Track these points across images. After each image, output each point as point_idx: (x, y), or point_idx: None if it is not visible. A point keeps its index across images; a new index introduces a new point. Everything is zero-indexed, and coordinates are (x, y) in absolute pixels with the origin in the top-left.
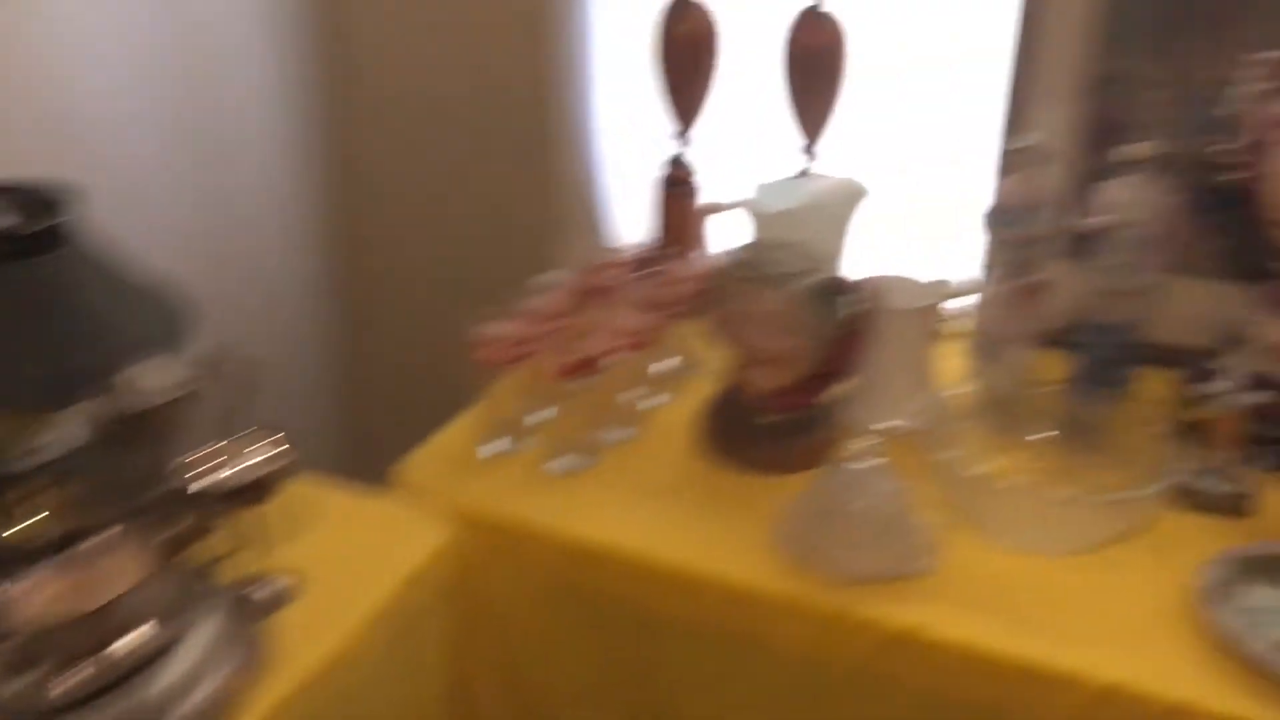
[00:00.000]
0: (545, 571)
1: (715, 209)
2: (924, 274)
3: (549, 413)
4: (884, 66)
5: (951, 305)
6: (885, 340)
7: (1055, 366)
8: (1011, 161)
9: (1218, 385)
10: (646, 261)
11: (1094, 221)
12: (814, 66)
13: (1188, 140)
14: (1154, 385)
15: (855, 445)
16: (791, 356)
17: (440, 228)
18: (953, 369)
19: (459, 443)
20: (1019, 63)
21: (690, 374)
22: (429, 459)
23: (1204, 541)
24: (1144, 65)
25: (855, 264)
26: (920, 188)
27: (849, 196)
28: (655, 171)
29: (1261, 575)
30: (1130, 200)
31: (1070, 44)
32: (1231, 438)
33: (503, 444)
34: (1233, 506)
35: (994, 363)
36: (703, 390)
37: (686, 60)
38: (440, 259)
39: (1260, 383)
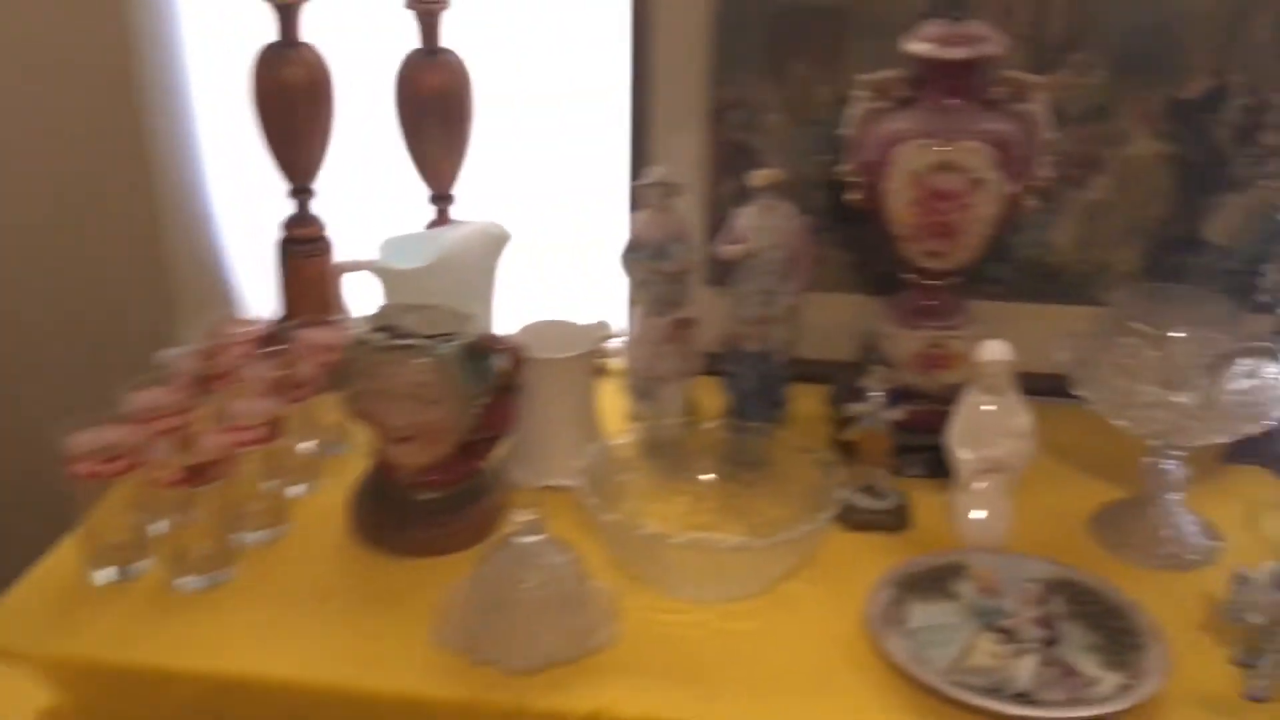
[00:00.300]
0: (185, 716)
1: (347, 269)
2: (579, 317)
3: (168, 524)
4: (510, 103)
5: (613, 347)
6: (543, 394)
7: (712, 400)
8: (641, 196)
9: (861, 405)
10: (272, 337)
11: (730, 250)
12: (434, 109)
13: (811, 161)
14: (810, 404)
15: (520, 517)
16: (440, 428)
17: (31, 326)
18: (620, 414)
19: (59, 579)
20: (637, 95)
21: (335, 455)
22: (20, 606)
23: (871, 562)
24: (762, 90)
25: (504, 314)
26: (565, 227)
27: (490, 243)
28: (276, 233)
29: (919, 592)
30: (762, 225)
31: (685, 73)
32: (880, 454)
33: (112, 572)
34: (891, 522)
35: (651, 403)
36: (352, 471)
37: (296, 108)
38: (33, 361)
39: (902, 394)
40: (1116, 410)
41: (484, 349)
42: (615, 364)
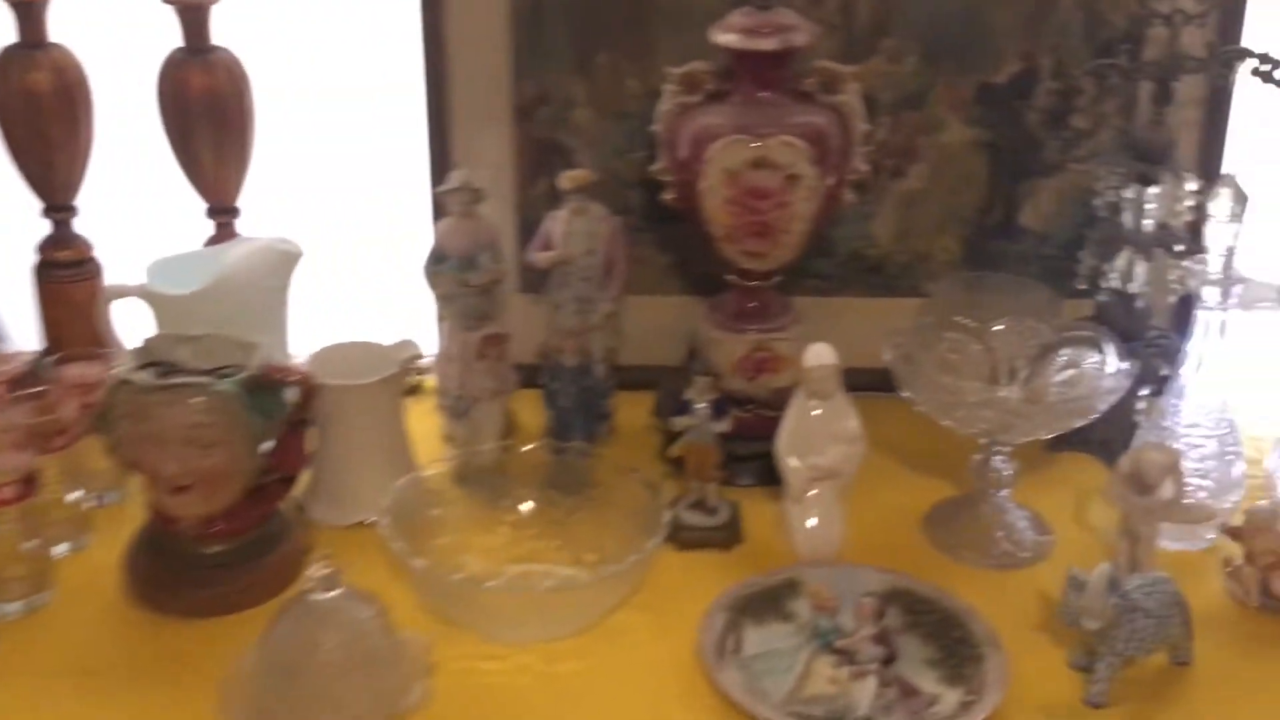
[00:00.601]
0: None
1: (113, 295)
2: (383, 337)
3: None
4: (297, 102)
5: (423, 364)
6: (344, 424)
7: (534, 416)
8: (444, 203)
9: (686, 419)
10: (29, 377)
11: (542, 257)
12: (205, 114)
13: (625, 158)
14: (637, 414)
15: (316, 571)
16: (223, 473)
17: None
18: (435, 436)
19: None
20: (433, 92)
21: (107, 505)
22: None
23: (704, 584)
24: (569, 84)
25: (300, 338)
26: (366, 237)
27: (279, 261)
28: (32, 256)
29: (753, 615)
30: (574, 230)
31: (485, 67)
32: (709, 467)
33: None
34: (723, 538)
35: (466, 424)
36: (127, 524)
37: (46, 117)
38: None
39: (729, 402)
40: (943, 410)
41: (270, 381)
42: (429, 381)
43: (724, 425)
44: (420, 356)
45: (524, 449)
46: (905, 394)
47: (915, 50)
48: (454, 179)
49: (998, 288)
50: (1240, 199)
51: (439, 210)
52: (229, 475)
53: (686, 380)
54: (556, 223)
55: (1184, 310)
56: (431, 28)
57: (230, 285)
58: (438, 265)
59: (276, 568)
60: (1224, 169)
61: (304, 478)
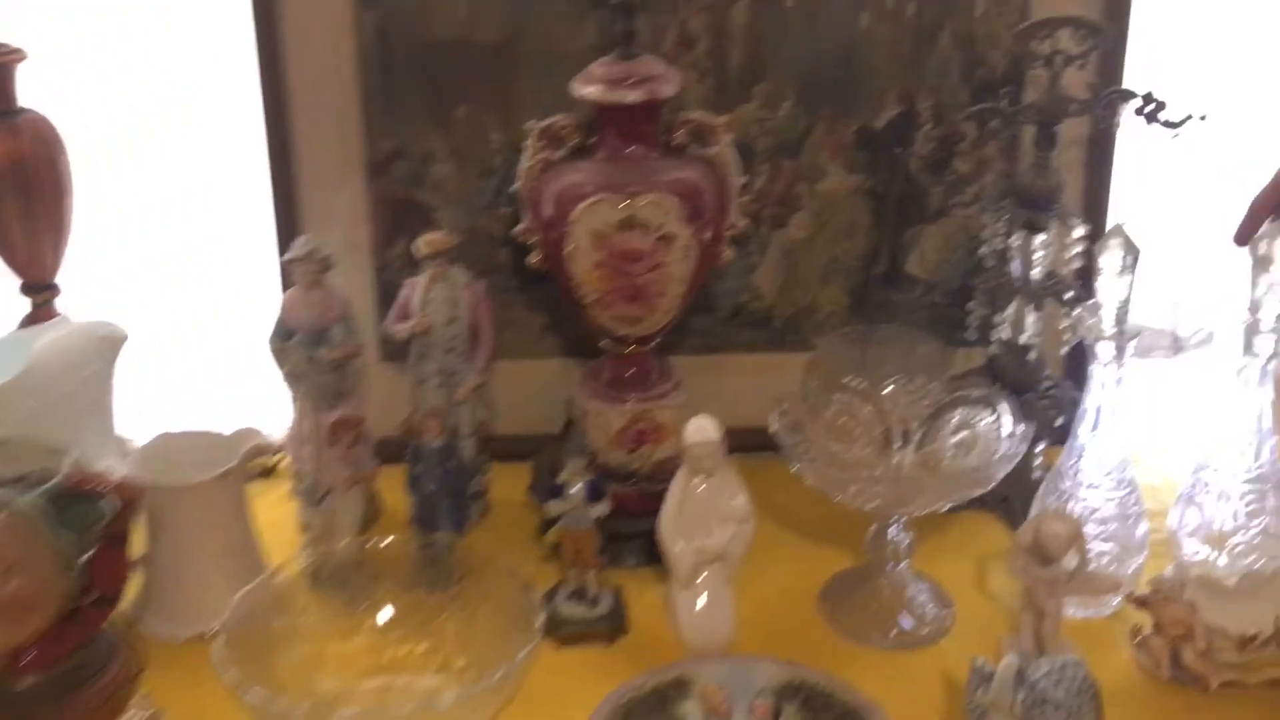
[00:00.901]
0: None
1: None
2: (225, 424)
3: None
4: (118, 166)
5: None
6: (179, 526)
7: (400, 498)
8: (290, 272)
9: (560, 504)
10: None
11: (400, 328)
12: (11, 182)
13: (490, 214)
14: (513, 489)
15: (135, 713)
16: (28, 599)
17: None
18: (290, 525)
19: None
20: (276, 151)
21: None
22: None
23: (586, 685)
24: (427, 138)
25: (130, 428)
26: (206, 313)
27: (99, 347)
28: None
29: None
30: (434, 298)
31: (333, 122)
32: (589, 554)
33: None
34: (606, 630)
35: (323, 512)
36: None
37: None
38: None
39: (609, 476)
40: (836, 486)
41: (81, 491)
42: (285, 461)
43: (601, 509)
44: (264, 447)
45: (383, 543)
46: (795, 468)
47: (791, 94)
48: (298, 246)
49: (886, 340)
50: (1131, 250)
51: (288, 279)
52: (36, 601)
53: (561, 457)
54: (414, 290)
55: (1077, 359)
56: (271, 80)
57: (42, 376)
58: (284, 340)
59: (101, 697)
60: (1110, 211)
61: (136, 586)
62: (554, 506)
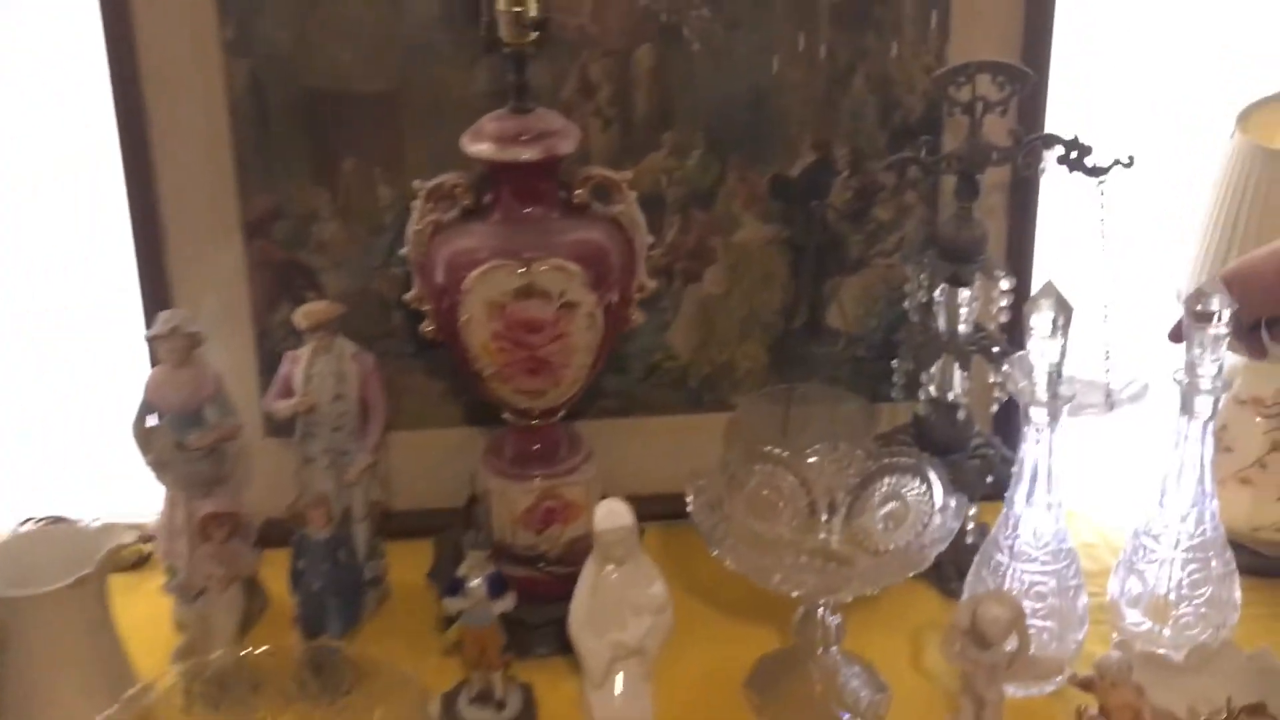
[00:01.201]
0: None
1: None
2: (89, 516)
3: None
4: None
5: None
6: (24, 643)
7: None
8: (155, 349)
9: (460, 600)
10: None
11: (282, 406)
12: None
13: (383, 275)
14: (413, 572)
15: None
16: None
17: None
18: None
19: None
20: (140, 213)
21: None
22: None
23: None
24: (310, 195)
25: None
26: (64, 393)
27: None
28: None
29: None
30: (318, 372)
31: (204, 179)
32: (494, 652)
33: None
34: None
35: (199, 611)
36: None
37: None
38: None
39: (516, 560)
40: (760, 574)
41: None
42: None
43: (505, 604)
44: (125, 546)
45: (260, 651)
46: (715, 552)
47: (700, 142)
48: (161, 322)
49: (809, 399)
50: (1064, 310)
51: (154, 356)
52: None
53: (462, 546)
54: (296, 364)
55: (1007, 414)
56: (131, 135)
57: None
58: (149, 425)
59: None
60: (1035, 260)
61: None
62: (452, 604)
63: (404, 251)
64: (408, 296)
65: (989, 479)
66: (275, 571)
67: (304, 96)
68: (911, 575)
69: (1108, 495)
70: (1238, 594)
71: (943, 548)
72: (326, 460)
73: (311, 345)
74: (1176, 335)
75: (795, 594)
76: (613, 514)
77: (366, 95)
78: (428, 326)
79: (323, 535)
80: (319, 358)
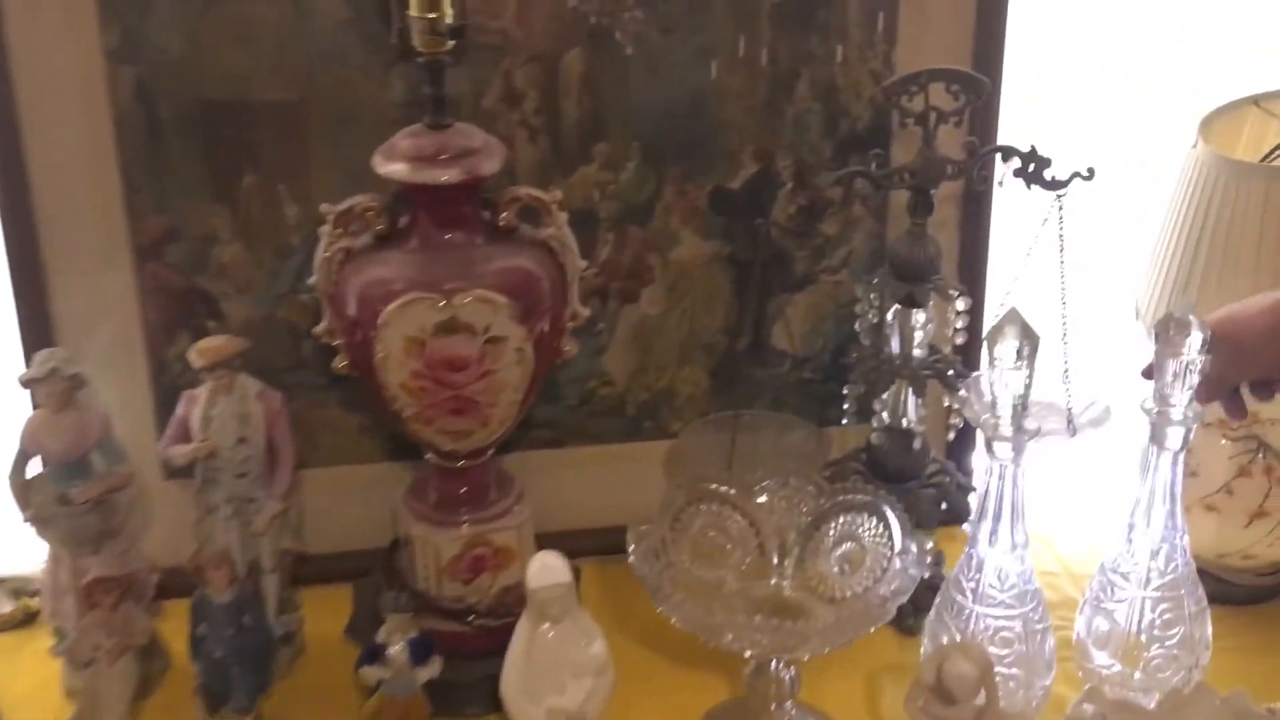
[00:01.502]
0: None
1: None
2: None
3: None
4: None
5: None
6: None
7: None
8: (35, 392)
9: (378, 669)
10: None
11: (179, 452)
12: None
13: (291, 301)
14: (334, 621)
15: None
16: None
17: None
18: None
19: None
20: (16, 238)
21: None
22: None
23: None
24: (208, 216)
25: None
26: None
27: None
28: None
29: None
30: (218, 414)
31: (88, 199)
32: None
33: None
34: None
35: (92, 677)
36: None
37: None
38: None
39: (444, 613)
40: (711, 633)
41: None
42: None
43: (430, 671)
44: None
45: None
46: (660, 609)
47: (636, 154)
48: (37, 364)
49: (755, 426)
50: (1029, 338)
51: (35, 400)
52: None
53: (380, 608)
54: (194, 405)
55: (960, 437)
56: (5, 151)
57: None
58: (26, 475)
59: None
60: (989, 277)
61: None
62: (370, 674)
63: (312, 281)
64: (317, 330)
65: (943, 506)
66: (179, 626)
67: (199, 107)
68: None
69: (1067, 520)
70: (1209, 630)
71: (904, 599)
72: (230, 509)
73: (210, 384)
74: (1150, 373)
75: (749, 655)
76: (547, 569)
77: (269, 105)
78: (340, 362)
79: (226, 598)
80: (219, 398)
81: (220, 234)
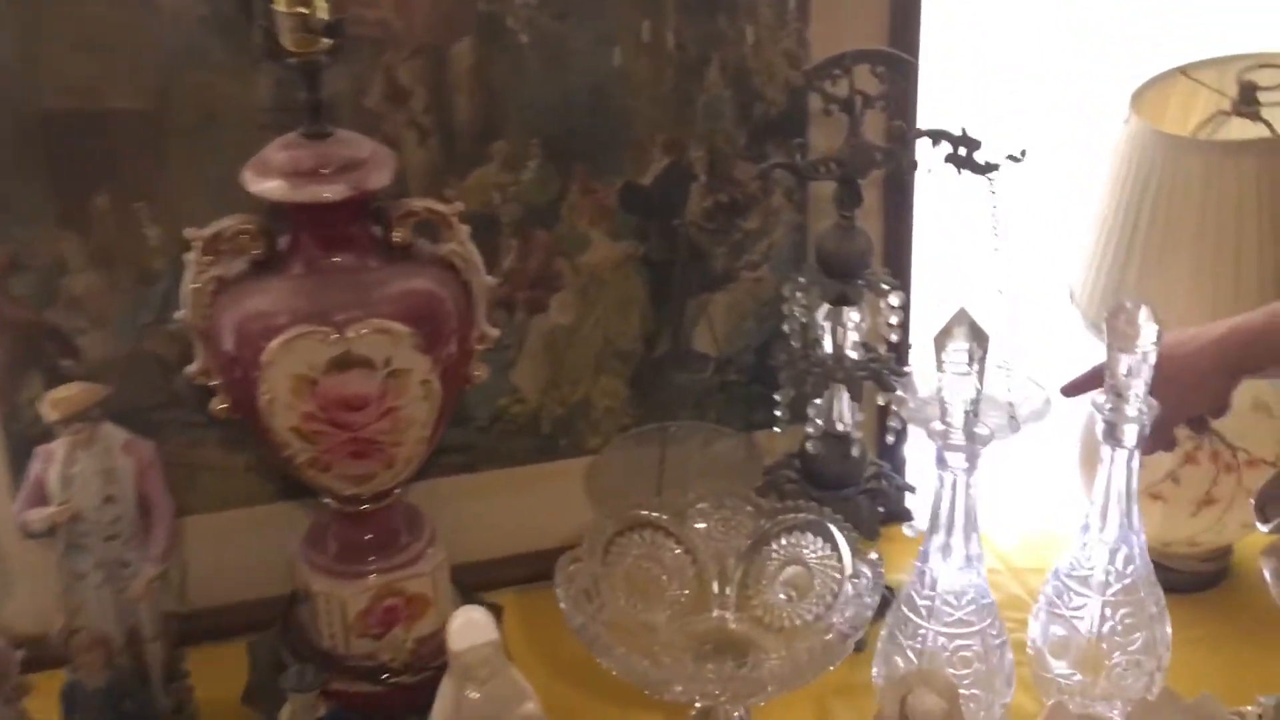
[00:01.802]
0: None
1: None
2: None
3: None
4: None
5: None
6: None
7: None
8: None
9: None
10: None
11: (37, 518)
12: None
13: (157, 332)
14: (229, 684)
15: None
16: None
17: None
18: None
19: None
20: None
21: None
22: None
23: None
24: (55, 241)
25: None
26: None
27: None
28: None
29: None
30: (78, 472)
31: None
32: None
33: None
34: None
35: None
36: None
37: None
38: None
39: (354, 674)
40: (658, 688)
41: None
42: None
43: None
44: None
45: None
46: (602, 661)
47: (537, 151)
48: None
49: (681, 438)
50: (979, 340)
51: None
52: None
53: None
54: (51, 463)
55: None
56: None
57: None
58: None
59: None
60: (913, 265)
61: None
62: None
63: (180, 315)
64: (189, 370)
65: (881, 510)
66: (50, 703)
67: (37, 119)
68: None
69: (998, 511)
70: (1169, 629)
71: (861, 634)
72: (101, 576)
73: (68, 439)
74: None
75: (700, 706)
76: (471, 628)
77: (119, 114)
78: (219, 404)
79: (101, 682)
80: (79, 453)
81: (70, 262)
